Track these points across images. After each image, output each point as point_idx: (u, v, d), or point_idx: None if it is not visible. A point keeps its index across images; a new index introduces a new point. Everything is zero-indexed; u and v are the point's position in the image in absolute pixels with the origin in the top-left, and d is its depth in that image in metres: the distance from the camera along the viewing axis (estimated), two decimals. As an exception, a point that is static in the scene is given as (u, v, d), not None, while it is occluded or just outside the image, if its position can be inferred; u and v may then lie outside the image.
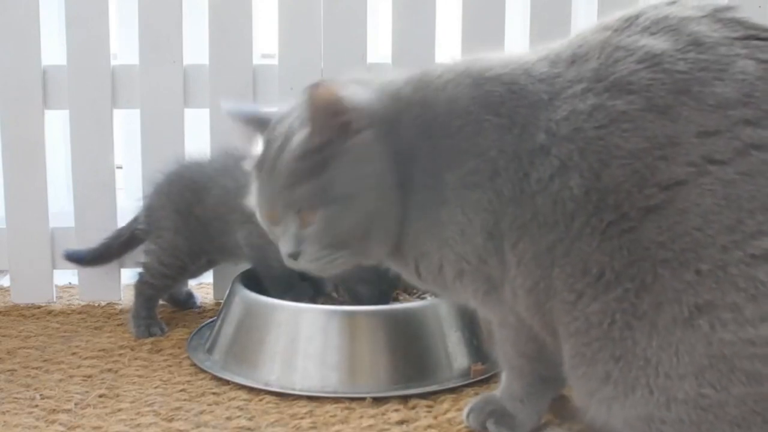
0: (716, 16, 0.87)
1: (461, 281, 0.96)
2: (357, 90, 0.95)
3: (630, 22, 0.89)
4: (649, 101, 0.83)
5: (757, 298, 0.77)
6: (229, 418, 1.11)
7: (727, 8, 0.88)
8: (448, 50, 2.00)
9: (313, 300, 1.37)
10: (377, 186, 0.93)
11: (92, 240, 1.59)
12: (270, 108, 1.05)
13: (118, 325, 1.51)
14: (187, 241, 1.47)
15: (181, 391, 1.21)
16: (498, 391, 1.08)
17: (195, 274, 1.59)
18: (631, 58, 0.85)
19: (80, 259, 1.58)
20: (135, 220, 1.55)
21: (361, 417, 1.11)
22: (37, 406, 1.15)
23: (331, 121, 0.92)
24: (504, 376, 1.07)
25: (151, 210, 1.50)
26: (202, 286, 1.71)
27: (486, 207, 0.90)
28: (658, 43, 0.85)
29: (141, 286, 1.49)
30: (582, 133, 0.85)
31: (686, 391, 0.79)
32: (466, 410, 1.08)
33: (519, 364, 1.03)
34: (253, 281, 1.39)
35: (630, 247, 0.82)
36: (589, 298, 0.85)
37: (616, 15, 0.92)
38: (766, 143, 0.80)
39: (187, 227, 1.47)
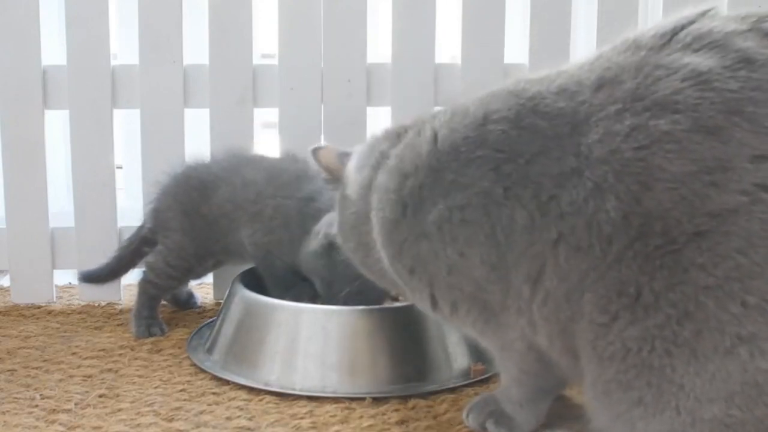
0: (762, 29, 0.81)
1: (457, 313, 0.95)
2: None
3: (666, 38, 0.83)
4: (696, 121, 0.77)
5: None
6: (229, 418, 1.11)
7: None
8: (448, 50, 2.01)
9: (313, 300, 1.36)
10: None
11: (92, 240, 1.60)
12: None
13: (118, 325, 1.51)
14: (194, 242, 1.47)
15: (181, 391, 1.21)
16: (497, 392, 1.07)
17: (200, 275, 1.59)
18: (674, 76, 0.80)
19: (97, 277, 1.57)
20: (142, 227, 1.54)
21: (361, 417, 1.12)
22: (37, 406, 1.15)
23: None
24: (503, 378, 1.06)
25: (158, 211, 1.50)
26: (202, 286, 1.71)
27: (482, 241, 0.88)
28: (704, 60, 0.80)
29: (145, 285, 1.49)
30: (618, 154, 0.80)
31: (714, 413, 0.77)
32: (465, 410, 1.08)
33: (519, 378, 1.01)
34: (253, 281, 1.39)
35: (670, 267, 0.78)
36: (626, 321, 0.81)
37: (646, 32, 0.86)
38: None
39: (194, 228, 1.47)
